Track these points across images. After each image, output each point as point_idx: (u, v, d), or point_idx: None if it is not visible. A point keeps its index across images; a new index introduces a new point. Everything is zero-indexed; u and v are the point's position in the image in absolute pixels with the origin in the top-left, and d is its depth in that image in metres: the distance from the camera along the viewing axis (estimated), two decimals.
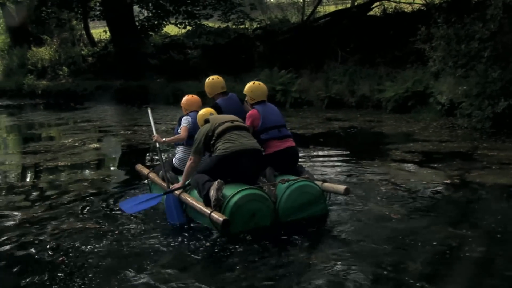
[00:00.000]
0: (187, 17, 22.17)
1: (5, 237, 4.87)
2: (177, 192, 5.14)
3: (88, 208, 5.70)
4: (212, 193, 4.54)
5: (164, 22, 23.09)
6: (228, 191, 4.62)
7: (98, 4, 23.97)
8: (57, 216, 5.47)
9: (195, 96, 6.02)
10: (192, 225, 4.94)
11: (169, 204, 5.09)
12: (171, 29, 24.23)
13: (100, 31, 26.27)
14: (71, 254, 4.34)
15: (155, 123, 6.53)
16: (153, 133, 6.14)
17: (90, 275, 3.93)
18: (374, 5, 17.85)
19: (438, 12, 10.06)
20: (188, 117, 5.70)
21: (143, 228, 4.93)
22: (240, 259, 4.10)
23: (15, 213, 5.70)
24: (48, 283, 3.85)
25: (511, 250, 4.18)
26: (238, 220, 4.53)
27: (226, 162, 4.83)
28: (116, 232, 4.85)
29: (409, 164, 7.36)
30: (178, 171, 5.63)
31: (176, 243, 4.53)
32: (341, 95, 14.29)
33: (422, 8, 16.15)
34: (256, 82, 5.66)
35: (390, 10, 17.58)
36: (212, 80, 5.92)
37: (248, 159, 4.84)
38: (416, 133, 9.81)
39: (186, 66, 19.40)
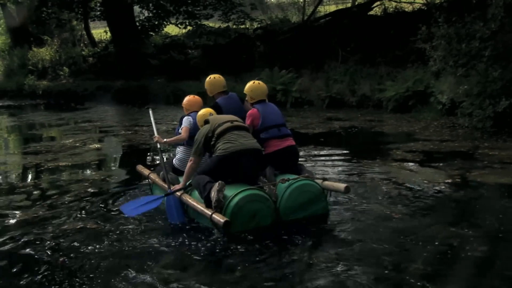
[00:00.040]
0: (188, 17, 22.17)
1: (6, 237, 4.86)
2: (178, 193, 5.14)
3: (88, 208, 5.70)
4: (213, 194, 4.54)
5: (164, 22, 23.09)
6: (229, 191, 4.62)
7: (98, 4, 23.98)
8: (57, 216, 5.47)
9: (196, 97, 6.01)
10: (193, 225, 4.94)
11: (169, 204, 5.09)
12: (171, 29, 24.24)
13: (100, 32, 26.30)
14: (71, 255, 4.33)
15: (156, 123, 6.53)
16: (154, 134, 6.14)
17: (90, 275, 3.92)
18: (374, 5, 17.85)
19: (439, 11, 10.05)
20: (189, 117, 5.70)
21: (143, 228, 4.93)
22: (241, 259, 4.10)
23: (15, 213, 5.70)
24: (48, 283, 3.85)
25: None
26: (239, 220, 4.53)
27: (226, 162, 4.83)
28: (117, 232, 4.85)
29: (410, 164, 7.36)
30: (178, 172, 5.62)
31: (177, 243, 4.53)
32: (342, 94, 14.28)
33: (423, 7, 16.14)
34: (256, 82, 5.66)
35: (391, 9, 17.58)
36: (214, 79, 5.91)
37: (248, 159, 4.84)
38: (417, 133, 9.80)
39: (186, 66, 19.40)
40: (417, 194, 5.68)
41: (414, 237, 4.39)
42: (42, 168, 8.14)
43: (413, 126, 10.64)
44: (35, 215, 5.55)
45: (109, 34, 23.39)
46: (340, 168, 7.21)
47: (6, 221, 5.41)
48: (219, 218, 4.39)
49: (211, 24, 22.97)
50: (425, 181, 6.22)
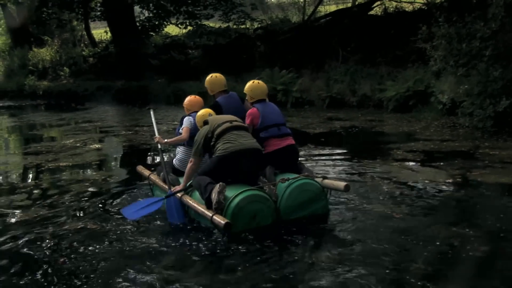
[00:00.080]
0: (188, 17, 22.18)
1: (7, 237, 4.87)
2: (178, 194, 5.13)
3: (89, 208, 5.70)
4: (214, 196, 4.54)
5: (165, 22, 23.09)
6: (229, 192, 4.62)
7: (98, 4, 23.98)
8: (58, 216, 5.47)
9: (197, 97, 6.02)
10: (193, 225, 4.94)
11: (169, 205, 5.09)
12: (172, 29, 24.24)
13: (101, 32, 26.31)
14: (72, 255, 4.33)
15: (156, 123, 6.53)
16: (155, 134, 6.14)
17: (91, 276, 3.92)
18: (375, 5, 17.84)
19: (439, 11, 10.04)
20: (190, 117, 5.70)
21: (143, 228, 4.93)
22: (241, 259, 4.09)
23: (16, 213, 5.70)
24: (49, 283, 3.85)
25: None
26: (239, 221, 4.54)
27: (226, 162, 4.83)
28: (117, 232, 4.85)
29: (410, 163, 7.36)
30: (178, 172, 5.62)
31: (177, 243, 4.53)
32: (342, 94, 14.28)
33: (423, 7, 16.12)
34: (256, 81, 5.67)
35: (391, 9, 17.57)
36: (216, 77, 5.91)
37: (248, 158, 4.84)
38: (418, 133, 9.80)
39: (187, 66, 19.40)
40: (418, 194, 5.68)
41: (415, 236, 4.38)
42: (43, 168, 8.14)
43: (413, 126, 10.64)
44: (36, 215, 5.55)
45: (109, 34, 23.39)
46: (340, 168, 7.20)
47: (7, 221, 5.42)
48: (219, 219, 4.39)
49: (211, 24, 22.97)
50: (426, 181, 6.22)
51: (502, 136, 8.64)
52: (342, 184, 4.96)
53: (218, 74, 5.96)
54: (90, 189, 6.66)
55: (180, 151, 5.75)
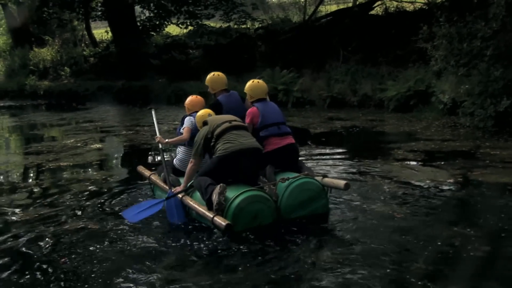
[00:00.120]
0: (189, 17, 22.17)
1: (7, 237, 4.88)
2: (179, 195, 5.13)
3: (89, 208, 5.70)
4: (215, 197, 4.55)
5: (165, 22, 23.09)
6: (230, 193, 4.63)
7: (99, 4, 23.98)
8: (59, 216, 5.48)
9: (198, 97, 6.02)
10: (195, 224, 4.94)
11: (170, 204, 5.09)
12: (172, 29, 24.24)
13: (101, 32, 26.29)
14: (72, 255, 4.34)
15: (157, 123, 6.53)
16: (156, 134, 6.14)
17: (92, 275, 3.93)
18: (375, 4, 17.82)
19: (440, 10, 10.03)
20: (191, 117, 5.70)
21: (144, 228, 4.93)
22: (242, 259, 4.10)
23: (17, 212, 5.71)
24: (49, 283, 3.86)
25: None
26: (240, 222, 4.56)
27: (226, 162, 4.83)
28: (118, 232, 4.85)
29: (411, 163, 7.35)
30: (178, 172, 5.62)
31: (178, 243, 4.53)
32: (343, 94, 14.27)
33: (424, 7, 16.10)
34: (256, 80, 5.68)
35: (392, 9, 17.55)
36: (218, 76, 5.91)
37: (248, 158, 4.85)
38: (418, 132, 9.79)
39: (187, 66, 19.38)
40: (419, 194, 5.67)
41: (416, 236, 4.38)
42: (44, 168, 8.15)
43: (414, 125, 10.63)
44: (36, 214, 5.55)
45: (110, 34, 23.38)
46: (341, 168, 7.20)
47: (8, 221, 5.43)
48: (220, 221, 4.40)
49: (212, 24, 22.96)
50: (427, 181, 6.21)
51: (503, 136, 8.63)
52: (342, 182, 4.97)
53: (219, 73, 5.96)
54: (91, 189, 6.66)
55: (180, 151, 5.76)
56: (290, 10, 24.14)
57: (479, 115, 9.09)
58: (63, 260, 4.25)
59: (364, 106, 13.66)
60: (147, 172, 6.18)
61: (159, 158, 7.52)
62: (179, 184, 5.35)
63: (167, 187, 5.38)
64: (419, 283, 3.56)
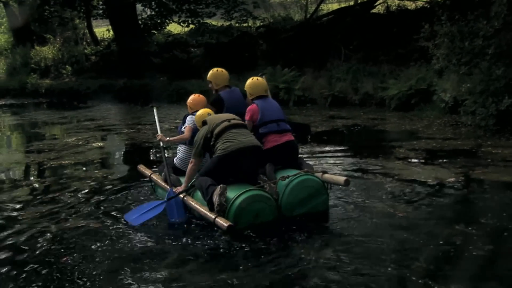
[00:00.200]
0: (190, 15, 22.16)
1: (9, 236, 4.88)
2: (180, 196, 5.13)
3: (91, 206, 5.71)
4: (215, 198, 4.56)
5: (167, 20, 23.09)
6: (231, 193, 4.64)
7: (101, 2, 23.98)
8: (60, 214, 5.48)
9: (201, 96, 6.02)
10: (194, 224, 4.94)
11: (170, 203, 5.09)
12: (174, 28, 24.24)
13: (103, 30, 26.28)
14: (75, 254, 4.35)
15: (159, 122, 6.54)
16: (157, 132, 6.15)
17: (93, 273, 3.93)
18: (377, 3, 17.80)
19: (442, 9, 10.00)
20: (193, 116, 5.70)
21: (145, 226, 4.93)
22: (244, 258, 4.10)
23: (18, 211, 5.72)
24: (50, 281, 3.86)
25: None
26: (242, 222, 4.58)
27: (226, 162, 4.84)
28: (119, 231, 4.86)
29: (412, 162, 7.35)
30: (179, 171, 5.63)
31: (179, 242, 4.54)
32: (345, 93, 14.25)
33: (426, 5, 16.06)
34: (255, 78, 5.70)
35: (394, 7, 17.54)
36: (221, 71, 5.93)
37: (247, 157, 4.86)
38: (420, 131, 9.78)
39: (189, 64, 19.38)
40: (420, 192, 5.67)
41: (417, 235, 4.39)
42: (45, 166, 8.15)
43: (416, 124, 10.62)
44: (38, 212, 5.56)
45: (111, 32, 23.37)
46: (343, 166, 7.20)
47: (9, 219, 5.43)
48: (222, 222, 4.41)
49: (213, 23, 22.96)
50: (428, 179, 6.21)
51: (504, 135, 8.62)
52: (342, 178, 4.98)
53: (222, 69, 5.98)
54: (92, 187, 6.67)
55: (181, 150, 5.76)
56: (292, 8, 24.12)
57: (480, 114, 9.08)
58: (64, 259, 4.25)
59: (366, 105, 13.65)
60: (147, 171, 6.19)
61: (159, 156, 7.51)
62: (179, 184, 5.36)
63: (168, 186, 5.38)
64: (420, 281, 3.56)
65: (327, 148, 8.66)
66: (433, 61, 10.48)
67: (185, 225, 4.93)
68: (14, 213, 5.64)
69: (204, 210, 4.72)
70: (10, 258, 4.37)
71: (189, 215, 5.08)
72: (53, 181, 7.23)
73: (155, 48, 21.70)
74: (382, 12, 17.75)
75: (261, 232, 4.52)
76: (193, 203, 4.93)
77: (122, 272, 3.93)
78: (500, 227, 4.53)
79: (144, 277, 3.83)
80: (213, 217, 4.51)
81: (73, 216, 5.41)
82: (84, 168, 8.05)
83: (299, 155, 5.62)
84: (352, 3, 20.77)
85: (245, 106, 5.55)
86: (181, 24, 22.63)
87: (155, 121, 6.53)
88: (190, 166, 5.18)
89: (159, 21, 23.03)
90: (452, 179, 6.23)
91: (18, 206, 5.95)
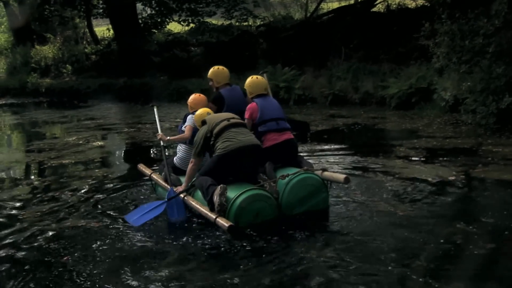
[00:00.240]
0: (190, 14, 22.14)
1: (9, 235, 4.89)
2: (181, 196, 5.13)
3: (91, 205, 5.72)
4: (216, 198, 4.56)
5: (167, 19, 23.06)
6: (231, 193, 4.64)
7: (101, 2, 23.97)
8: (60, 213, 5.49)
9: (201, 95, 6.02)
10: (195, 223, 4.94)
11: (170, 202, 5.08)
12: (174, 27, 24.22)
13: (103, 29, 26.27)
14: (75, 254, 4.35)
15: (159, 121, 6.53)
16: (158, 131, 6.15)
17: (93, 272, 3.94)
18: (377, 2, 17.78)
19: (442, 8, 9.98)
20: (193, 116, 5.70)
21: (146, 225, 4.93)
22: (244, 257, 4.10)
23: (19, 210, 5.72)
24: (50, 281, 3.86)
25: None
26: (243, 221, 4.58)
27: (226, 161, 4.84)
28: (119, 230, 4.86)
29: (413, 160, 7.34)
30: (178, 170, 5.62)
31: (180, 241, 4.54)
32: (345, 91, 14.24)
33: (426, 4, 16.03)
34: (255, 77, 5.70)
35: (394, 6, 17.51)
36: (222, 69, 5.94)
37: (247, 156, 4.86)
38: (420, 130, 9.78)
39: (189, 63, 19.36)
40: (421, 191, 5.67)
41: (417, 233, 4.39)
42: (45, 166, 8.16)
43: (416, 123, 10.61)
44: (38, 212, 5.57)
45: (111, 31, 23.35)
46: (343, 165, 7.20)
47: (9, 218, 5.44)
48: (223, 222, 4.41)
49: (213, 22, 22.94)
50: (429, 178, 6.20)
51: (504, 133, 8.61)
52: (342, 176, 4.98)
53: (222, 67, 5.99)
54: (93, 186, 6.68)
55: (181, 149, 5.76)
56: (292, 7, 24.08)
57: (481, 112, 9.07)
58: (65, 258, 4.25)
59: (366, 104, 13.63)
60: (147, 171, 6.19)
61: (160, 155, 7.50)
62: (180, 183, 5.36)
63: (168, 186, 5.38)
64: (421, 280, 3.56)
65: (327, 147, 8.66)
66: (433, 60, 10.46)
67: (185, 224, 4.94)
68: (15, 212, 5.65)
69: (204, 210, 4.72)
70: (10, 256, 4.38)
71: (189, 214, 5.08)
72: (53, 180, 7.24)
73: (155, 47, 21.70)
74: (382, 10, 17.72)
75: (262, 231, 4.52)
76: (193, 203, 4.93)
77: (122, 271, 3.93)
78: (500, 225, 4.53)
79: (144, 276, 3.83)
80: (214, 217, 4.51)
81: (73, 215, 5.41)
82: (84, 167, 8.06)
83: (299, 153, 5.61)
84: (352, 2, 20.72)
85: (246, 104, 5.55)
86: (181, 23, 22.62)
87: (155, 120, 6.52)
88: (190, 165, 5.18)
89: (159, 20, 23.01)
90: (452, 178, 6.22)
91: (18, 205, 5.96)
